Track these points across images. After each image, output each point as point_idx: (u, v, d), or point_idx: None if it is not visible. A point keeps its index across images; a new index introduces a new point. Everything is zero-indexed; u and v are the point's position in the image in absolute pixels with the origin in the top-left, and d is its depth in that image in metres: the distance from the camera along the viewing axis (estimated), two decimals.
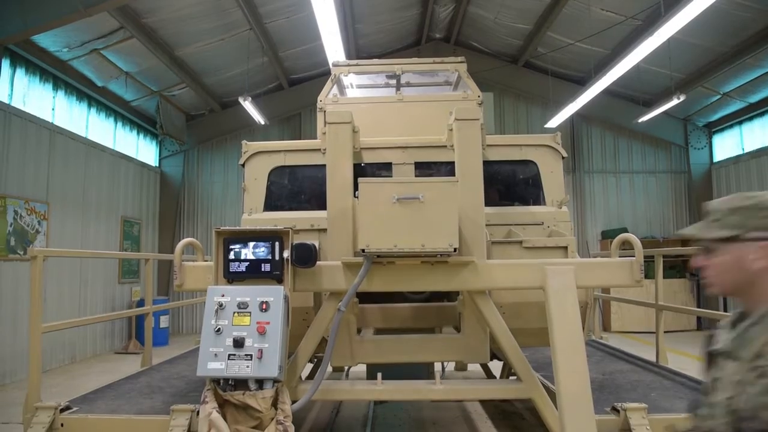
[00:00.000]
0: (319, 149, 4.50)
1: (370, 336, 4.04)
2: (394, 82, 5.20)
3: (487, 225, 3.87)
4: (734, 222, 1.54)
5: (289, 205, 4.60)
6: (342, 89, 5.29)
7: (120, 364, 9.76)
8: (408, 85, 5.33)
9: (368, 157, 4.39)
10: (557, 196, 4.58)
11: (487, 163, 4.19)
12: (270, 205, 4.55)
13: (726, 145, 14.13)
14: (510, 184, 4.75)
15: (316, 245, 3.42)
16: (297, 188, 4.68)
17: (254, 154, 4.61)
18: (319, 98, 4.80)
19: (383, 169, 4.45)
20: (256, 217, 4.45)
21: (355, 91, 5.52)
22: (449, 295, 4.41)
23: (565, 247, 4.00)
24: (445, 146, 4.34)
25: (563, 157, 4.66)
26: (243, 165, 4.64)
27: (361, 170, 4.28)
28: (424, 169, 4.45)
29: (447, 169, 4.36)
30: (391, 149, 4.41)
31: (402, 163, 4.40)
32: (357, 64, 5.16)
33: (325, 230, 3.96)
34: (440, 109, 4.58)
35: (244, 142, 4.71)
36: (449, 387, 3.85)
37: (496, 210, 4.50)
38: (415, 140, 4.43)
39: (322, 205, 4.05)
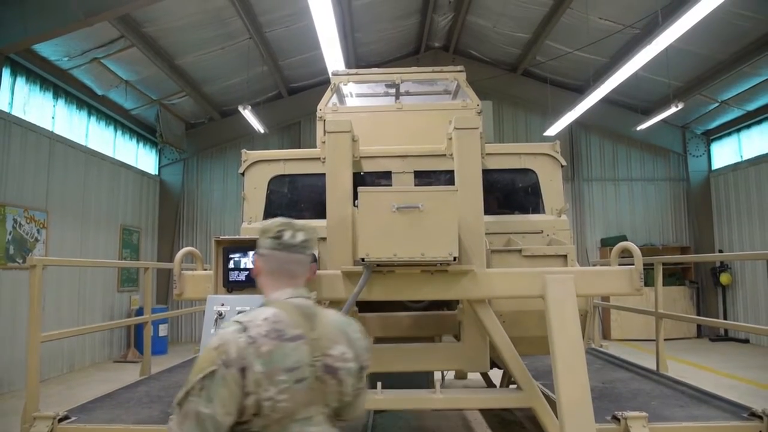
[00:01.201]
0: (319, 158, 4.51)
1: (369, 345, 4.02)
2: (393, 91, 5.21)
3: (486, 233, 3.87)
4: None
5: (288, 213, 4.59)
6: (341, 98, 5.30)
7: (119, 373, 9.72)
8: (407, 94, 5.35)
9: (368, 166, 4.40)
10: (556, 204, 4.59)
11: (486, 172, 4.20)
12: (269, 213, 4.55)
13: (724, 153, 14.16)
14: (509, 193, 4.76)
15: (316, 254, 3.42)
16: (296, 197, 4.68)
17: (254, 162, 4.62)
18: (318, 107, 4.82)
19: (383, 177, 4.46)
20: (255, 225, 4.45)
21: (355, 100, 5.54)
22: (449, 304, 4.41)
23: (565, 256, 4.00)
24: (445, 155, 4.36)
25: (562, 166, 4.68)
26: (242, 174, 4.65)
27: (360, 179, 4.29)
28: (423, 177, 4.46)
29: (446, 177, 4.37)
30: (391, 158, 4.42)
31: (401, 172, 4.41)
32: (356, 73, 5.18)
33: (324, 239, 3.96)
34: (439, 117, 4.59)
35: (243, 150, 4.72)
36: (449, 396, 3.85)
37: (496, 218, 4.50)
38: (414, 149, 4.44)
39: (321, 213, 4.05)
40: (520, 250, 4.04)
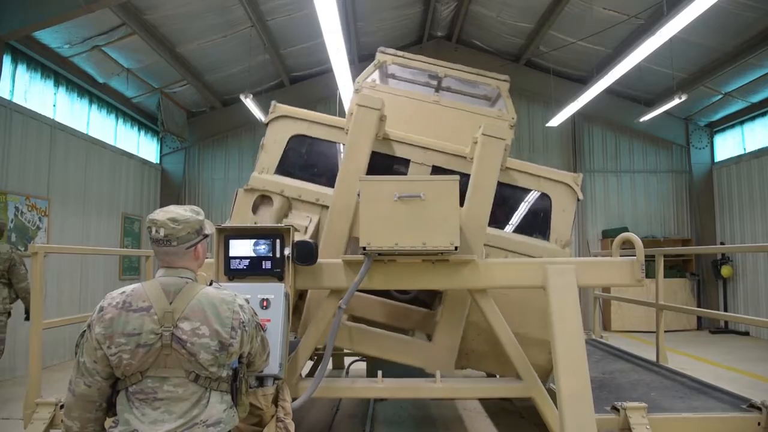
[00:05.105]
0: (343, 128, 4.45)
1: (343, 321, 4.00)
2: (434, 83, 5.15)
3: (485, 246, 3.86)
4: None
5: (300, 174, 4.54)
6: (383, 77, 5.23)
7: None
8: (448, 89, 5.27)
9: (388, 149, 4.35)
10: (563, 235, 4.41)
11: (501, 184, 4.13)
12: (282, 169, 4.48)
13: (727, 145, 14.10)
14: (518, 211, 4.68)
15: (317, 243, 3.43)
16: (312, 161, 4.61)
17: (280, 116, 4.56)
18: (357, 79, 4.78)
19: (401, 164, 4.39)
20: (265, 177, 4.40)
21: (393, 82, 5.46)
22: (432, 304, 4.41)
23: None
24: (466, 158, 4.29)
25: (579, 200, 4.55)
26: (267, 124, 4.59)
27: (379, 159, 4.24)
28: (439, 174, 4.40)
29: (463, 180, 4.31)
30: (413, 146, 4.36)
31: (420, 163, 4.34)
32: (403, 56, 5.11)
33: (327, 207, 3.96)
34: (472, 120, 4.52)
35: (273, 102, 4.66)
36: (449, 385, 3.86)
37: (498, 233, 4.41)
38: (439, 144, 4.37)
39: (331, 182, 4.05)
40: None
